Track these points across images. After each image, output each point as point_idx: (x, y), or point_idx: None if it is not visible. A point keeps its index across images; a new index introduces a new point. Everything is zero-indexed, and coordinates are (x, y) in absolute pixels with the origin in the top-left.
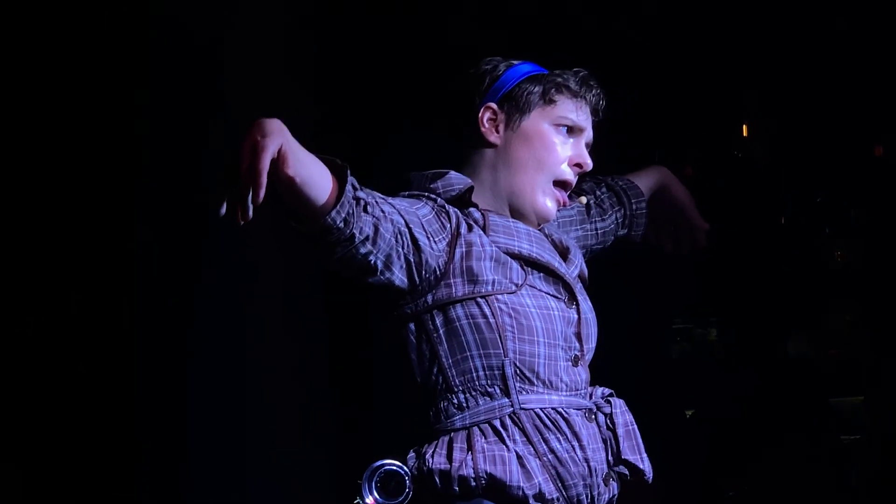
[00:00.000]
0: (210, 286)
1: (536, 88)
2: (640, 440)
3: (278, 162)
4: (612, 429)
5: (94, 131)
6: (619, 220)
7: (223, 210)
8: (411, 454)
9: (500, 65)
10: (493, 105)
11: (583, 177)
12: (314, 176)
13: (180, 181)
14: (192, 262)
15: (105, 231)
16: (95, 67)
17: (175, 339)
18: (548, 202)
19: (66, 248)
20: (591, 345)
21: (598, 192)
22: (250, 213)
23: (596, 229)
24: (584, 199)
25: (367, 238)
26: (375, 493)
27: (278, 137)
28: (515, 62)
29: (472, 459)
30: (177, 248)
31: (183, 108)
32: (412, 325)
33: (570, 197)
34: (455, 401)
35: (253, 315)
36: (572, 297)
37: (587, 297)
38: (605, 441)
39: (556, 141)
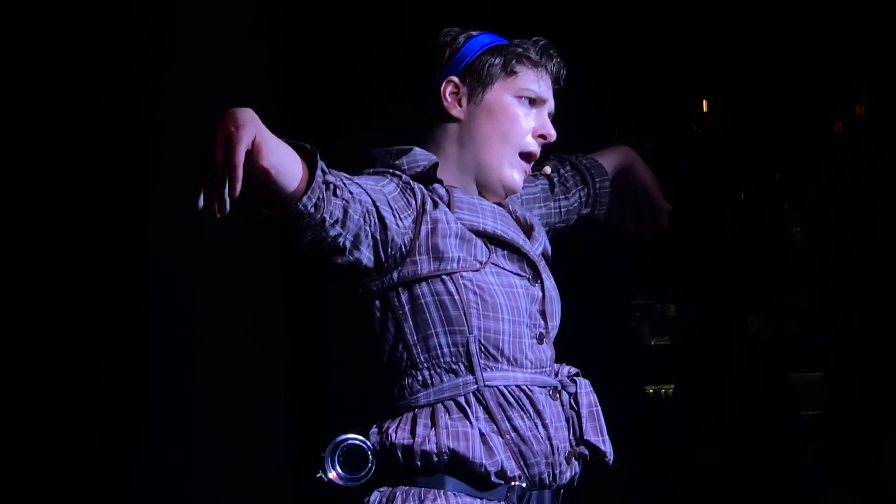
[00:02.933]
0: (163, 272)
1: (497, 60)
2: (602, 422)
3: (252, 153)
4: (576, 409)
5: (46, 122)
6: (583, 199)
7: (200, 203)
8: (374, 429)
9: (459, 36)
10: (455, 78)
11: (546, 154)
12: (286, 164)
13: (133, 162)
14: (145, 245)
15: (55, 218)
16: (49, 55)
17: (129, 320)
18: (514, 174)
19: (16, 234)
20: (555, 322)
21: (561, 171)
22: (227, 206)
23: (559, 207)
24: (547, 169)
25: (336, 221)
26: (338, 468)
27: (251, 128)
28: (475, 33)
29: (436, 435)
30: (129, 233)
31: (135, 93)
32: (377, 303)
33: (533, 168)
34: (420, 378)
35: (208, 296)
36: (536, 275)
37: (551, 275)
38: (567, 420)
39: (519, 113)
